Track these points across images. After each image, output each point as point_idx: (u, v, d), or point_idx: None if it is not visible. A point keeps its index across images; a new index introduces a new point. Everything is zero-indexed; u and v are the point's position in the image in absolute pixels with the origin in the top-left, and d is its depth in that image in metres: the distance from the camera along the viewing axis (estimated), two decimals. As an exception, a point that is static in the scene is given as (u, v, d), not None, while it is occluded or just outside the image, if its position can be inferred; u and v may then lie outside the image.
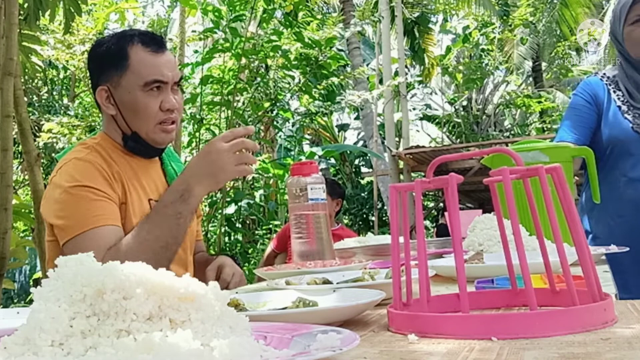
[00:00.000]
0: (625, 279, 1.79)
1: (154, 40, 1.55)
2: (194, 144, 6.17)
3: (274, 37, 6.00)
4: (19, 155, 7.38)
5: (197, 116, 6.02)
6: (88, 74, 1.70)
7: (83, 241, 1.39)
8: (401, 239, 0.83)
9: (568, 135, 2.00)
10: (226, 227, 6.02)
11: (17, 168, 8.77)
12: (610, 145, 1.98)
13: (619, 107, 1.97)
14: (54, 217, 1.46)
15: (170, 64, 1.55)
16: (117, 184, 1.49)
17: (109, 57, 1.53)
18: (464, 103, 15.67)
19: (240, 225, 6.39)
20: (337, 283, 1.07)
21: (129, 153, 1.59)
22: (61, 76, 10.98)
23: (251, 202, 6.59)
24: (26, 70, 4.33)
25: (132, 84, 1.51)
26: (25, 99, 4.11)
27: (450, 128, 15.73)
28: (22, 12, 3.41)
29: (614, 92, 2.00)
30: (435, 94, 18.46)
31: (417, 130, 18.85)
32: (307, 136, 12.95)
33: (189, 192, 1.44)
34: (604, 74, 2.09)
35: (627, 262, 1.83)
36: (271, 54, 5.97)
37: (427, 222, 12.67)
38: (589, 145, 1.92)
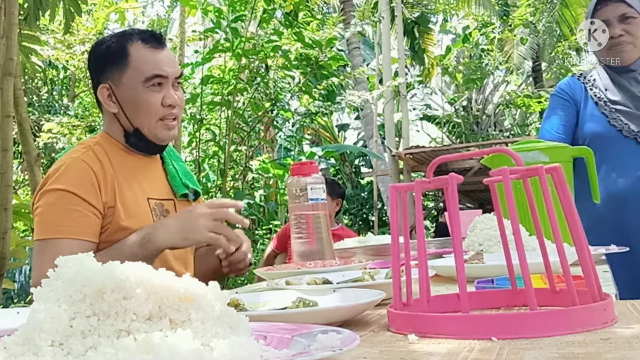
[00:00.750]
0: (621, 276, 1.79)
1: (153, 37, 1.56)
2: (194, 144, 6.17)
3: (274, 37, 6.00)
4: (19, 155, 7.38)
5: (197, 116, 6.02)
6: (88, 74, 1.71)
7: (48, 247, 1.40)
8: (401, 239, 0.83)
9: (551, 136, 2.04)
10: (226, 227, 6.00)
11: (17, 168, 8.78)
12: (588, 139, 2.01)
13: (596, 103, 2.03)
14: (34, 212, 1.47)
15: (170, 59, 1.56)
16: (105, 188, 1.47)
17: (110, 55, 1.55)
18: (464, 103, 15.67)
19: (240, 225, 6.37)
20: (337, 283, 1.07)
21: (130, 152, 1.59)
22: (61, 76, 10.98)
23: (251, 202, 6.58)
24: (26, 70, 4.33)
25: (133, 80, 1.52)
26: (25, 99, 4.11)
27: (450, 128, 15.73)
28: (22, 12, 3.40)
29: (591, 89, 2.06)
30: (435, 94, 18.48)
31: (417, 130, 18.87)
32: (307, 136, 12.94)
33: (150, 239, 1.42)
34: (581, 74, 2.16)
35: (614, 257, 1.82)
36: (271, 54, 5.97)
37: (427, 222, 12.67)
38: (570, 144, 1.97)
